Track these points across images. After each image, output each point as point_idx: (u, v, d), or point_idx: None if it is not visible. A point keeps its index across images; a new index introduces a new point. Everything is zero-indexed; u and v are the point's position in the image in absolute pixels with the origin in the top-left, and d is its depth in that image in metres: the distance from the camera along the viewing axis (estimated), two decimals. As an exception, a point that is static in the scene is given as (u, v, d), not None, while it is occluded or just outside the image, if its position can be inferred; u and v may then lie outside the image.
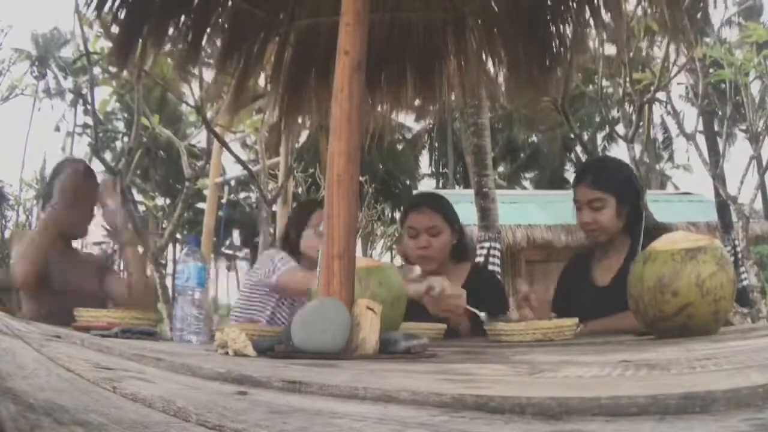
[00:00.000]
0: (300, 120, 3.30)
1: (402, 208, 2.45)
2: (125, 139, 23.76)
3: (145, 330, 1.63)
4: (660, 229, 2.04)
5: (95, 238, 2.31)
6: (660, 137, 25.19)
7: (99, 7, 2.53)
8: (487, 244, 5.21)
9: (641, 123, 5.42)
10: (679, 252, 1.38)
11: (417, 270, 2.24)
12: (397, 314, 1.63)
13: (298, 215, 2.66)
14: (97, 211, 2.21)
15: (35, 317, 1.89)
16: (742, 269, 6.67)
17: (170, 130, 6.92)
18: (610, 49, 5.11)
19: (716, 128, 6.92)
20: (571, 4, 2.73)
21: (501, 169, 25.19)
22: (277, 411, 0.61)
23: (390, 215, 19.67)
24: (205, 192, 9.01)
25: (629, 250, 2.06)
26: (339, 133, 1.48)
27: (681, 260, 1.37)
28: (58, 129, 30.27)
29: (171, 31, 2.77)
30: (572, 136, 9.71)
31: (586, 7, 2.71)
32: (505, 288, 2.33)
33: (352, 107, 1.50)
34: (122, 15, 2.59)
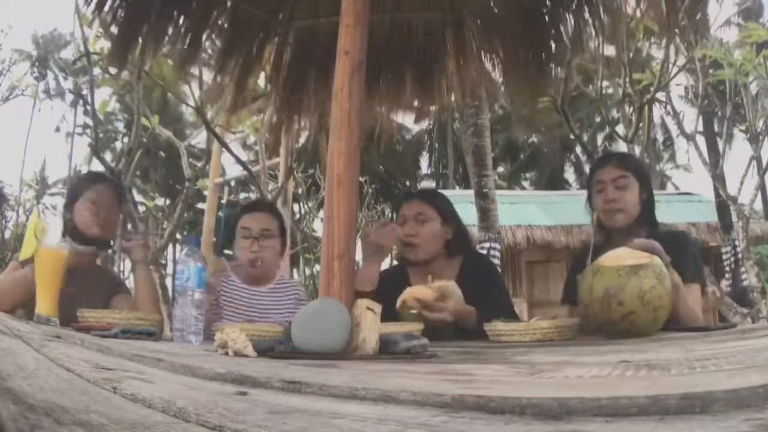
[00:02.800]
0: (300, 120, 3.31)
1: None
2: (125, 139, 23.76)
3: (145, 330, 1.63)
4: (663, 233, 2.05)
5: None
6: (660, 137, 25.17)
7: (99, 7, 2.53)
8: (486, 245, 5.22)
9: (641, 123, 5.42)
10: (623, 268, 1.58)
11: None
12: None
13: (229, 220, 2.62)
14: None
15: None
16: (742, 269, 6.67)
17: (170, 130, 6.92)
18: (610, 50, 5.12)
19: (716, 128, 6.92)
20: (570, 4, 2.73)
21: (501, 169, 25.18)
22: (277, 411, 0.61)
23: (390, 216, 19.66)
24: (205, 192, 9.00)
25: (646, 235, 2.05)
26: (339, 134, 1.48)
27: (626, 275, 1.57)
28: (58, 129, 30.26)
29: (170, 31, 2.78)
30: (572, 136, 9.72)
31: (586, 8, 2.72)
32: (500, 273, 2.30)
33: (352, 107, 1.50)
34: (121, 15, 2.60)
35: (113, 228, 2.25)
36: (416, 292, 1.89)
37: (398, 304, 1.90)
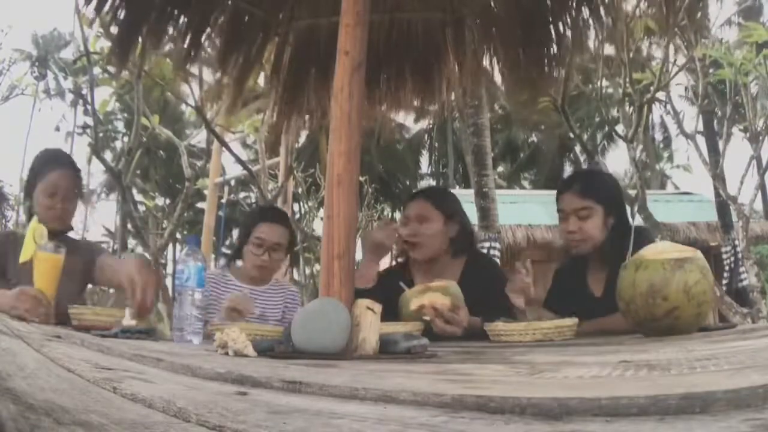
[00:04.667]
0: (300, 120, 3.31)
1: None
2: (125, 139, 23.73)
3: (145, 330, 1.63)
4: (643, 234, 2.01)
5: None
6: (660, 137, 25.16)
7: (98, 7, 2.53)
8: (487, 244, 5.21)
9: (641, 123, 5.42)
10: (668, 261, 1.52)
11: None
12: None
13: (242, 226, 2.60)
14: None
15: None
16: (742, 269, 6.66)
17: (170, 130, 6.91)
18: (610, 49, 5.12)
19: (716, 128, 6.91)
20: (570, 4, 2.73)
21: (501, 168, 25.15)
22: (277, 411, 0.61)
23: (390, 215, 19.65)
24: (205, 192, 9.02)
25: (616, 262, 2.04)
26: (339, 133, 1.48)
27: (670, 269, 1.51)
28: (58, 129, 30.23)
29: (170, 30, 2.77)
30: (571, 136, 9.72)
31: (586, 8, 2.72)
32: (502, 273, 2.29)
33: (352, 107, 1.50)
34: (121, 14, 2.60)
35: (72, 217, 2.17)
36: (435, 300, 1.89)
37: (413, 306, 1.90)
